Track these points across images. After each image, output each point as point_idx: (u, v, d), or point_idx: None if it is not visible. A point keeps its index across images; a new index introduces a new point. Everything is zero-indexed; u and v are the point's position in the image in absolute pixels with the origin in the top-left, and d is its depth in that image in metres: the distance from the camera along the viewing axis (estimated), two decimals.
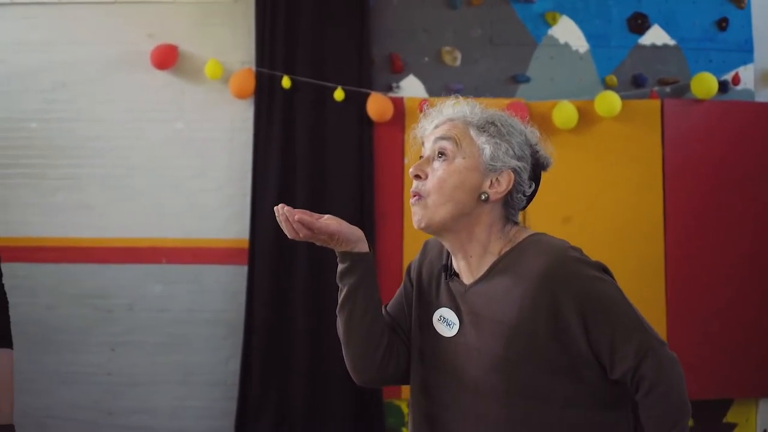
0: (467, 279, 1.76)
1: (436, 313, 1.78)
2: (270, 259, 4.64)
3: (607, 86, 4.79)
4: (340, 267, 1.76)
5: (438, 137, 1.72)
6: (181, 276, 4.73)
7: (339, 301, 1.77)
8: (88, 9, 4.78)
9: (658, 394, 1.60)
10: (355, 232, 1.76)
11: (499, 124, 1.73)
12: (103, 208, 4.72)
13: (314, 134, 4.70)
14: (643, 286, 4.56)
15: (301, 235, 1.73)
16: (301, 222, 1.69)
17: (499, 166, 1.71)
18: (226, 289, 4.73)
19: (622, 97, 4.67)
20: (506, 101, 4.59)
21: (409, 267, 1.92)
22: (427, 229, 1.73)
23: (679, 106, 4.73)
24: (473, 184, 1.71)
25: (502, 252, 1.72)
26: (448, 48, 4.79)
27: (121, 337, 4.73)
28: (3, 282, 1.88)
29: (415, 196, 1.73)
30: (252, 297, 4.67)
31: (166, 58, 4.70)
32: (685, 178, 4.69)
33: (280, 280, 4.68)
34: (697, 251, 4.64)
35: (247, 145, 4.71)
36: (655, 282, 4.60)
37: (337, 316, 1.82)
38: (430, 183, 1.71)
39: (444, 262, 1.81)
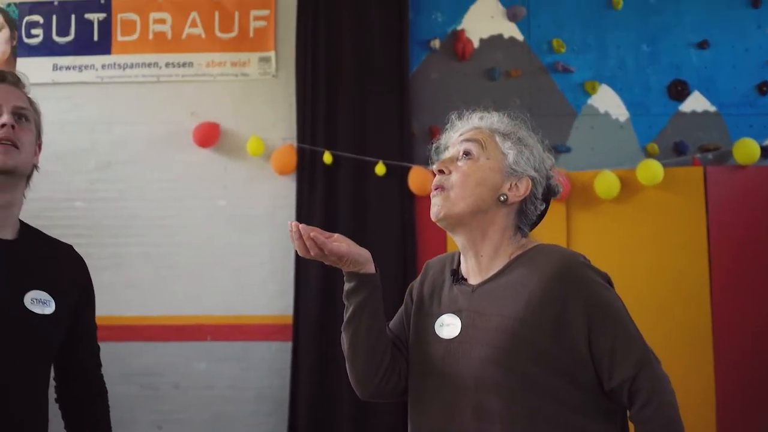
0: (475, 279, 1.86)
1: (437, 321, 1.86)
2: (314, 334, 4.87)
3: (649, 154, 5.03)
4: (347, 286, 1.86)
5: (464, 140, 1.87)
6: (226, 353, 4.97)
7: (345, 319, 1.88)
8: (131, 88, 5.07)
9: (654, 408, 1.67)
10: (363, 254, 1.85)
11: (523, 136, 1.88)
12: (148, 286, 4.99)
13: (356, 208, 4.95)
14: (691, 352, 4.76)
15: (312, 254, 1.80)
16: (314, 240, 1.77)
17: (520, 171, 1.84)
18: (270, 365, 4.97)
19: (664, 165, 4.89)
20: None
21: (411, 286, 2.03)
22: (445, 220, 1.83)
23: (721, 172, 4.95)
24: (494, 183, 1.83)
25: (513, 256, 1.83)
26: None
27: (168, 415, 4.97)
28: (102, 372, 2.13)
29: (437, 188, 1.85)
30: (297, 373, 4.89)
31: (209, 136, 4.99)
32: (730, 244, 4.90)
33: (325, 355, 4.90)
34: (745, 317, 4.83)
35: (289, 221, 4.96)
36: (702, 348, 4.80)
37: (342, 333, 1.93)
38: (454, 177, 1.83)
39: (453, 266, 1.92)
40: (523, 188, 1.84)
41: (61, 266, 2.00)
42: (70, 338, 2.01)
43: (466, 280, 1.88)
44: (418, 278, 2.01)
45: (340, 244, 1.81)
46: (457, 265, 1.91)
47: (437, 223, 1.84)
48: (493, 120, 1.91)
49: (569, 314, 1.71)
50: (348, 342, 1.87)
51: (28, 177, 1.99)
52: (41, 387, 1.91)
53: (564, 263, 1.74)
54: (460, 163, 1.84)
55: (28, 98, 2.00)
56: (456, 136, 1.91)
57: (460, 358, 1.78)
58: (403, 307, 2.02)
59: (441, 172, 1.85)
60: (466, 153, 1.85)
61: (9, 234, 1.92)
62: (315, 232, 1.79)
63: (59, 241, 2.07)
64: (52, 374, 2.01)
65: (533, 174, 1.84)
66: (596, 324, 1.71)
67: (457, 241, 1.88)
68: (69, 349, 2.02)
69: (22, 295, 1.87)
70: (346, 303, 1.86)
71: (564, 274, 1.73)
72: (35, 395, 1.89)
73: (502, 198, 1.82)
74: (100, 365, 2.12)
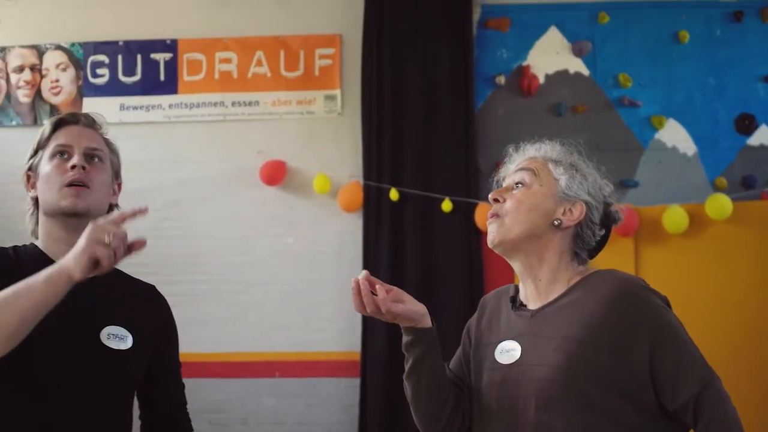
0: (534, 304, 2.03)
1: (497, 348, 2.03)
2: (382, 371, 5.35)
3: (717, 189, 5.47)
4: (405, 339, 2.06)
5: (518, 169, 2.08)
6: (294, 389, 5.47)
7: (406, 370, 2.08)
8: (197, 127, 5.61)
9: (719, 424, 1.82)
10: (419, 310, 2.03)
11: (575, 161, 2.07)
12: (217, 324, 5.51)
13: (423, 245, 5.43)
14: (760, 388, 5.17)
15: (368, 310, 2.00)
16: (374, 303, 1.97)
17: (573, 195, 2.01)
18: (339, 402, 5.46)
19: (733, 199, 5.32)
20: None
21: (468, 325, 2.22)
22: (500, 246, 2.02)
23: None
24: (547, 209, 2.00)
25: (572, 282, 2.00)
26: None
27: None
28: (188, 410, 2.31)
29: (492, 216, 2.04)
30: (365, 409, 5.38)
31: (276, 174, 5.50)
32: None
33: (393, 392, 5.36)
34: None
35: (356, 258, 5.46)
36: None
37: (404, 382, 2.16)
38: (508, 204, 2.02)
39: (511, 294, 2.10)
40: (577, 212, 2.01)
41: (140, 304, 2.18)
42: (153, 377, 2.16)
43: (525, 306, 2.05)
44: (475, 315, 2.21)
45: (396, 304, 2.00)
46: (515, 292, 2.09)
47: (494, 250, 2.03)
48: (546, 149, 2.11)
49: (630, 336, 1.86)
50: (410, 391, 2.09)
51: None
52: (122, 424, 2.07)
53: (624, 286, 1.91)
54: (514, 192, 2.04)
55: (104, 138, 2.18)
56: (512, 168, 2.12)
57: (520, 381, 1.94)
58: (460, 347, 2.21)
59: (496, 200, 2.05)
60: (520, 182, 2.05)
61: None
62: (377, 285, 1.99)
63: (141, 281, 2.27)
64: (137, 413, 2.18)
65: (587, 198, 2.02)
66: (658, 346, 1.86)
67: (514, 266, 2.07)
68: (152, 387, 2.18)
69: (98, 331, 2.02)
70: (405, 353, 2.07)
71: (625, 296, 1.89)
72: (116, 429, 2.05)
73: (556, 222, 2.01)
74: (185, 403, 2.29)
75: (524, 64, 5.57)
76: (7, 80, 5.71)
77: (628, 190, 5.48)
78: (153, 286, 2.31)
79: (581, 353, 1.88)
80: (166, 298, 5.59)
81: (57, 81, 5.69)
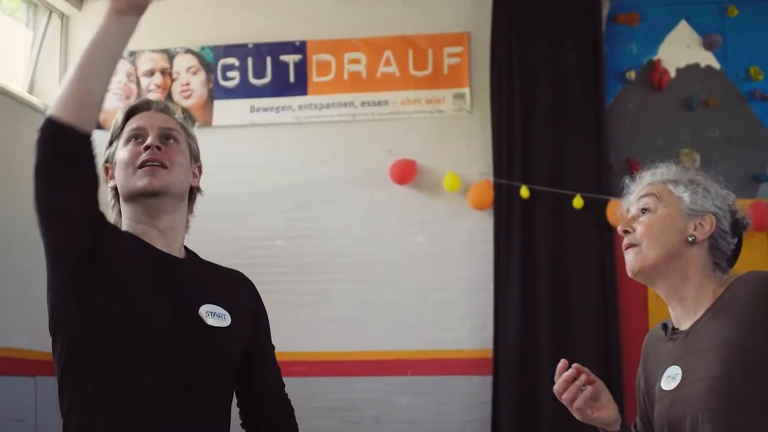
0: (686, 325, 2.34)
1: (662, 378, 2.36)
2: (515, 368, 6.60)
3: None
4: None
5: (640, 197, 2.41)
6: (426, 387, 6.74)
7: None
8: (327, 128, 6.95)
9: None
10: (610, 416, 2.39)
11: (695, 178, 2.41)
12: (348, 322, 6.80)
13: (554, 243, 6.66)
14: None
15: (565, 398, 2.43)
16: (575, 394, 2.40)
17: (699, 209, 2.33)
18: (471, 399, 6.71)
19: None
20: (748, 201, 6.46)
21: (637, 379, 2.57)
22: (641, 273, 2.36)
23: None
24: (679, 227, 2.32)
25: (717, 293, 2.31)
26: (686, 150, 6.71)
27: None
28: (286, 392, 2.65)
29: (627, 247, 2.38)
30: (498, 407, 6.63)
31: (406, 173, 6.78)
32: None
33: (526, 389, 6.59)
34: None
35: (487, 256, 6.71)
36: None
37: None
38: (639, 231, 2.35)
39: (663, 323, 2.47)
40: (708, 225, 2.34)
41: (234, 286, 2.50)
42: (252, 360, 2.46)
43: (677, 329, 2.38)
44: (639, 366, 2.55)
45: (587, 411, 2.40)
46: (665, 323, 2.47)
47: (636, 279, 2.39)
48: (662, 171, 2.45)
49: None
50: None
51: (190, 200, 2.48)
52: (223, 403, 2.37)
53: (766, 279, 2.25)
54: (641, 219, 2.37)
55: (180, 123, 2.44)
56: (633, 198, 2.44)
57: (685, 401, 2.25)
58: (638, 403, 2.56)
59: (626, 232, 2.39)
60: (645, 208, 2.38)
61: (178, 254, 2.39)
62: (583, 375, 2.44)
63: (228, 268, 2.57)
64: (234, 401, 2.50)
65: (714, 209, 2.35)
66: None
67: (659, 292, 2.41)
68: (252, 371, 2.47)
69: (197, 308, 2.30)
70: None
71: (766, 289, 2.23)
72: (217, 409, 2.35)
73: (690, 239, 2.32)
74: (284, 386, 2.60)
75: (655, 58, 6.79)
76: (138, 84, 7.12)
77: (760, 184, 6.61)
78: (241, 272, 2.61)
79: (738, 357, 2.18)
80: (298, 297, 6.87)
81: (188, 84, 7.08)
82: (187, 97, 7.12)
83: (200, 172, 2.50)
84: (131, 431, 2.18)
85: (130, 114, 2.38)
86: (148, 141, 2.30)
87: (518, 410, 6.59)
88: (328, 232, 6.94)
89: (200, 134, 7.19)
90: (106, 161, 2.37)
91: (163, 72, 7.20)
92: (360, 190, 6.91)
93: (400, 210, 6.91)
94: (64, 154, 2.11)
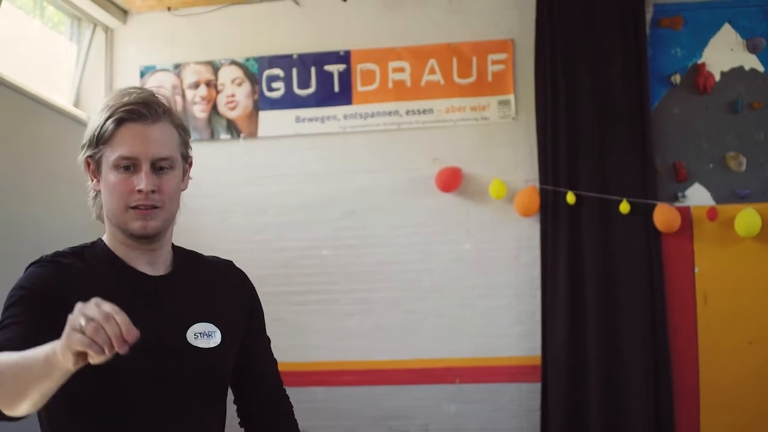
0: None
1: None
2: (563, 375, 6.65)
3: None
4: None
5: None
6: (474, 395, 6.80)
7: None
8: (372, 137, 7.05)
9: None
10: None
11: None
12: (396, 331, 6.87)
13: (601, 248, 6.72)
14: None
15: None
16: None
17: None
18: (520, 406, 6.77)
19: None
20: None
21: None
22: None
23: None
24: None
25: None
26: (732, 153, 6.74)
27: None
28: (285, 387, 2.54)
29: None
30: (546, 414, 6.69)
31: (451, 181, 6.86)
32: None
33: (575, 397, 6.64)
34: None
35: (534, 262, 6.77)
36: None
37: None
38: None
39: None
40: None
41: (224, 291, 2.35)
42: (248, 354, 2.38)
43: None
44: None
45: None
46: None
47: None
48: None
49: None
50: None
51: None
52: (217, 418, 2.31)
53: None
54: None
55: (170, 119, 2.22)
56: None
57: None
58: None
59: None
60: None
61: (161, 269, 2.25)
62: None
63: (218, 259, 2.44)
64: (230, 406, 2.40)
65: None
66: None
67: None
68: (247, 365, 2.40)
69: (185, 331, 2.20)
70: None
71: None
72: (212, 427, 2.29)
73: None
74: (281, 381, 2.49)
75: (699, 62, 6.84)
76: (183, 96, 7.22)
77: None
78: (231, 262, 2.47)
79: None
80: (346, 306, 6.75)
81: (233, 96, 7.18)
82: (233, 109, 7.23)
83: (190, 166, 2.33)
84: None
85: (119, 121, 2.14)
86: (142, 185, 2.12)
87: (567, 417, 6.64)
88: (374, 241, 7.01)
89: (246, 145, 7.36)
90: (89, 156, 2.18)
91: (208, 84, 7.31)
92: (406, 199, 6.99)
93: (447, 218, 6.98)
94: None
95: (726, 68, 6.89)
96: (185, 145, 2.27)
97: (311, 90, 7.17)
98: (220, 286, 2.35)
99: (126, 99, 2.16)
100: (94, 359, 1.70)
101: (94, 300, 1.72)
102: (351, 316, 6.94)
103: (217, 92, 7.29)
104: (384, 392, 6.92)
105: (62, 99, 7.24)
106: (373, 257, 7.01)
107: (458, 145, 7.01)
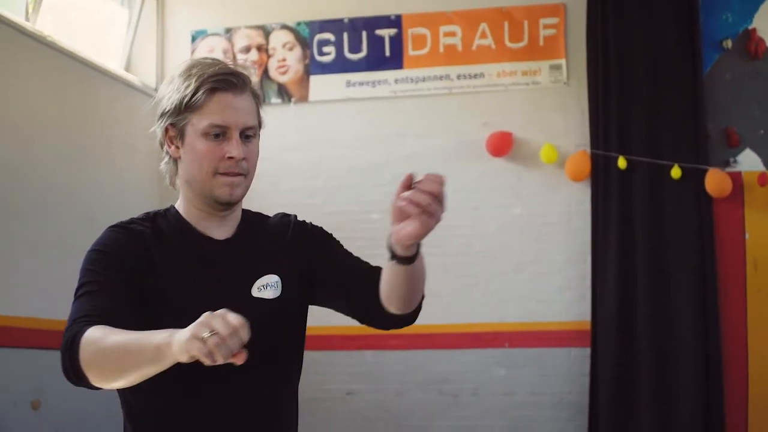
0: None
1: None
2: (613, 340, 6.71)
3: None
4: None
5: None
6: (524, 359, 6.88)
7: None
8: (424, 101, 7.12)
9: None
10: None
11: None
12: (446, 296, 6.94)
13: (652, 213, 6.77)
14: None
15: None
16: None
17: None
18: (569, 371, 6.83)
19: None
20: None
21: None
22: None
23: None
24: None
25: None
26: None
27: (467, 421, 6.91)
28: None
29: None
30: (596, 379, 6.75)
31: (502, 145, 6.92)
32: None
33: (624, 362, 6.70)
34: None
35: (584, 227, 6.82)
36: None
37: None
38: None
39: None
40: None
41: (282, 242, 2.41)
42: (331, 265, 2.42)
43: None
44: None
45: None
46: None
47: None
48: None
49: None
50: None
51: None
52: (290, 374, 2.42)
53: None
54: None
55: (252, 92, 2.31)
56: None
57: None
58: None
59: None
60: None
61: (229, 233, 2.35)
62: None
63: (273, 218, 2.49)
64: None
65: None
66: None
67: None
68: (339, 272, 2.41)
69: (249, 288, 2.31)
70: None
71: None
72: (289, 382, 2.41)
73: None
74: (367, 262, 2.46)
75: (750, 27, 6.86)
76: (234, 61, 7.23)
77: None
78: (282, 213, 2.52)
79: None
80: None
81: (284, 60, 7.27)
82: (284, 73, 7.31)
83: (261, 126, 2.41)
84: (195, 423, 2.25)
85: (211, 88, 2.22)
86: (233, 151, 2.22)
87: (616, 382, 6.70)
88: None
89: (297, 110, 7.42)
90: (171, 124, 2.26)
91: (259, 48, 7.39)
92: (456, 163, 7.04)
93: (497, 182, 7.04)
94: (80, 384, 2.07)
95: None
96: (260, 113, 2.35)
97: (362, 54, 7.24)
98: (280, 239, 2.42)
99: (214, 69, 2.24)
100: (207, 363, 1.81)
101: (222, 312, 1.82)
102: None
103: (268, 57, 7.37)
104: (433, 356, 7.00)
105: (114, 64, 7.33)
106: None
107: (509, 109, 7.07)
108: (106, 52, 7.36)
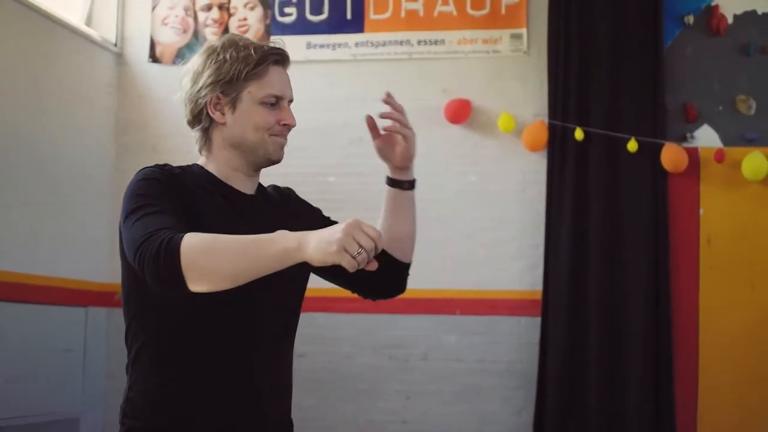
0: None
1: None
2: (564, 310, 6.78)
3: None
4: None
5: None
6: (474, 327, 6.94)
7: None
8: (383, 66, 7.14)
9: None
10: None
11: None
12: None
13: (607, 185, 6.83)
14: None
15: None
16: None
17: None
18: (519, 340, 6.90)
19: None
20: None
21: None
22: None
23: None
24: None
25: None
26: (742, 96, 6.83)
27: (416, 386, 6.97)
28: None
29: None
30: (545, 348, 6.82)
31: (460, 113, 6.96)
32: None
33: (574, 331, 6.77)
34: None
35: (539, 197, 6.87)
36: None
37: None
38: None
39: None
40: None
41: (285, 210, 2.67)
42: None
43: None
44: None
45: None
46: None
47: None
48: None
49: None
50: None
51: None
52: (291, 338, 2.68)
53: None
54: None
55: None
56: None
57: None
58: None
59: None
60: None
61: (252, 191, 2.60)
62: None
63: (276, 188, 2.77)
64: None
65: None
66: None
67: None
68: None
69: None
70: None
71: None
72: (293, 340, 2.69)
73: None
74: None
75: (713, 3, 6.92)
76: (195, 18, 7.33)
77: None
78: (273, 185, 2.78)
79: None
80: None
81: (245, 20, 7.28)
82: (244, 33, 7.30)
83: None
84: (224, 359, 2.41)
85: (267, 58, 2.49)
86: (287, 119, 2.53)
87: (566, 352, 6.77)
88: (381, 170, 6.94)
89: None
90: (222, 92, 2.45)
91: (220, 7, 7.39)
92: (414, 129, 7.03)
93: (454, 149, 7.08)
94: (170, 288, 2.18)
95: (739, 11, 6.95)
96: None
97: (323, 16, 7.25)
98: (284, 209, 2.68)
99: (269, 46, 2.53)
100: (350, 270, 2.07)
101: (364, 226, 2.07)
102: None
103: (230, 15, 7.37)
104: (384, 321, 7.05)
105: (75, 18, 7.31)
106: (380, 186, 6.88)
107: (468, 77, 7.10)
108: (67, 6, 7.33)
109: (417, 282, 6.84)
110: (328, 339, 7.04)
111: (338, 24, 7.22)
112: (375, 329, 7.04)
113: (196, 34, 7.36)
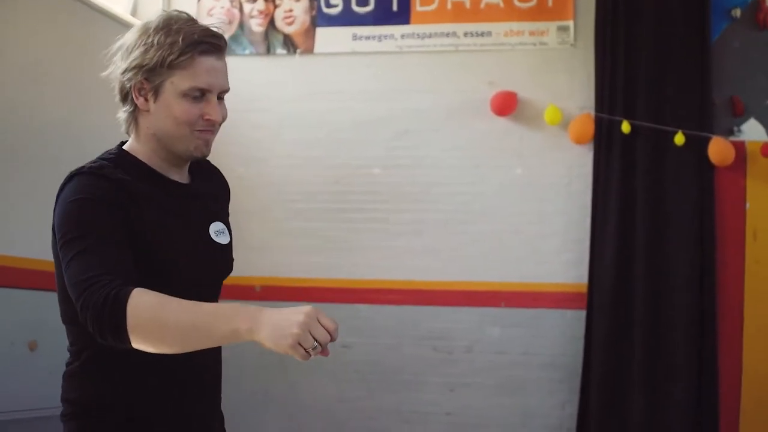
0: None
1: None
2: (608, 304, 6.79)
3: None
4: None
5: None
6: (519, 320, 6.96)
7: None
8: (429, 58, 7.15)
9: None
10: None
11: None
12: (444, 253, 7.02)
13: (653, 179, 6.82)
14: None
15: None
16: None
17: None
18: (563, 333, 6.92)
19: None
20: None
21: None
22: None
23: None
24: None
25: None
26: None
27: (459, 378, 7.00)
28: None
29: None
30: (590, 342, 6.83)
31: (506, 105, 6.96)
32: None
33: (619, 325, 6.78)
34: None
35: (585, 191, 6.87)
36: None
37: None
38: None
39: None
40: None
41: (221, 194, 2.64)
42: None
43: None
44: None
45: None
46: None
47: None
48: None
49: None
50: None
51: None
52: None
53: None
54: None
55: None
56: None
57: None
58: None
59: None
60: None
61: (186, 179, 2.50)
62: None
63: (206, 168, 2.63)
64: None
65: None
66: None
67: None
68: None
69: (207, 229, 2.47)
70: None
71: None
72: None
73: None
74: None
75: None
76: (241, 10, 7.35)
77: None
78: (212, 166, 2.68)
79: None
80: (396, 226, 6.91)
81: (290, 11, 7.29)
82: (290, 24, 7.33)
83: None
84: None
85: (195, 47, 2.30)
86: (215, 116, 2.35)
87: (610, 346, 6.79)
88: (426, 162, 7.13)
89: (302, 61, 7.46)
90: (145, 79, 2.32)
91: None
92: (460, 121, 7.09)
93: (499, 142, 7.09)
94: (112, 343, 2.10)
95: None
96: None
97: (369, 8, 7.26)
98: (220, 190, 2.64)
99: (199, 30, 2.33)
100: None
101: (319, 317, 1.99)
102: (399, 236, 7.08)
103: (275, 6, 7.38)
104: (428, 312, 7.08)
105: (120, 8, 7.33)
106: (425, 178, 7.12)
107: (515, 69, 7.10)
108: None
109: (462, 274, 6.96)
110: (371, 330, 7.08)
111: (384, 15, 7.23)
112: (419, 321, 7.08)
113: (241, 26, 7.38)
